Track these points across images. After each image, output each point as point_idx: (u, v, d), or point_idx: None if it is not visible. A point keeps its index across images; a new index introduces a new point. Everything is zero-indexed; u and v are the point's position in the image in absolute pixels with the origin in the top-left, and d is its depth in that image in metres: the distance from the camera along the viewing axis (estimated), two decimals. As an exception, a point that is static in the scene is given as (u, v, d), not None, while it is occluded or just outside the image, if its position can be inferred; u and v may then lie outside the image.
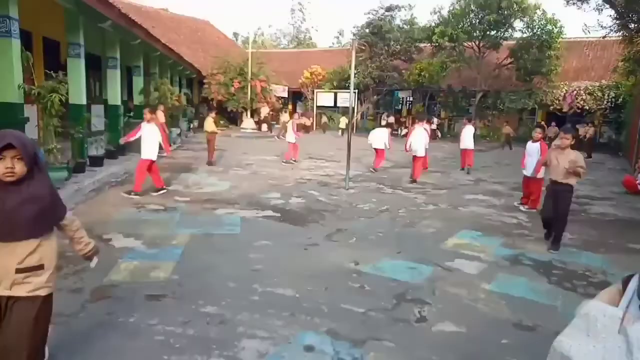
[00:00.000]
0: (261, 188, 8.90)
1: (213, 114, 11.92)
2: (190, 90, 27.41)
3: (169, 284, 4.06)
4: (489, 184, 11.14)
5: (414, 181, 10.64)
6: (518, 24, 24.76)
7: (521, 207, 8.31)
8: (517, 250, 5.77)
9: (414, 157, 10.93)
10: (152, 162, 7.78)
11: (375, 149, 12.46)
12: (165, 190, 7.93)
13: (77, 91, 9.81)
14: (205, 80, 26.32)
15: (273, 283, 4.24)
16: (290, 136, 13.13)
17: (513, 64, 25.28)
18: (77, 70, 9.82)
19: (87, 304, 3.62)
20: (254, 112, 25.52)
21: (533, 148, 8.14)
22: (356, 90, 28.39)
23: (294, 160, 13.10)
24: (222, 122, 26.55)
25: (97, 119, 12.29)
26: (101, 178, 8.45)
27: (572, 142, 5.72)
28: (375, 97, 30.36)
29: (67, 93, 7.71)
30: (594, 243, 6.33)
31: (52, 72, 7.69)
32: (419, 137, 10.91)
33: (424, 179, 11.28)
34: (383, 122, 27.90)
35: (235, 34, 56.60)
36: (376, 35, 28.09)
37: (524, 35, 24.70)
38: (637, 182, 10.69)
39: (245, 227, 6.04)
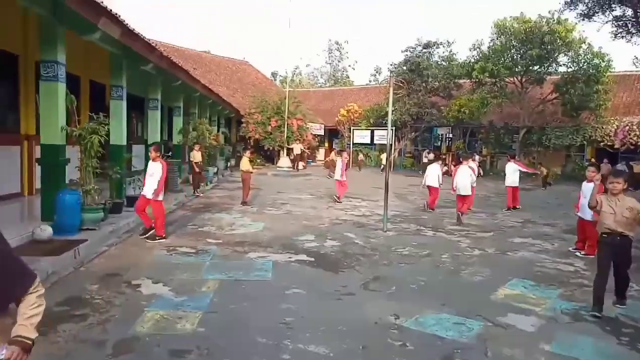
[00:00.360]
0: (295, 229, 8.63)
1: (248, 153, 11.94)
2: (228, 129, 28.09)
3: (195, 338, 3.77)
4: (538, 226, 10.40)
5: (459, 221, 10.13)
6: (562, 58, 24.09)
7: (577, 253, 7.61)
8: (578, 304, 5.15)
9: (459, 197, 10.56)
10: (151, 200, 7.35)
11: (428, 186, 12.06)
12: (151, 233, 7.29)
13: (118, 132, 10.05)
14: (243, 119, 26.92)
15: (305, 339, 3.87)
16: (338, 174, 13.07)
17: (558, 99, 24.43)
18: (118, 112, 10.10)
19: (108, 359, 3.37)
20: (290, 151, 25.71)
21: (588, 188, 7.50)
22: (393, 128, 28.19)
23: (338, 199, 12.83)
24: (258, 160, 26.96)
25: (137, 159, 12.59)
26: (136, 219, 8.44)
27: (626, 186, 4.89)
28: (413, 134, 30.01)
29: (106, 134, 7.83)
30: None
31: (95, 114, 7.90)
32: (464, 175, 10.62)
33: (468, 220, 10.68)
34: (425, 160, 27.41)
35: (274, 74, 58.34)
36: (414, 72, 28.07)
37: (569, 70, 23.93)
38: None
39: (277, 273, 5.74)
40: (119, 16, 8.17)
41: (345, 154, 13.94)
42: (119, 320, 4.00)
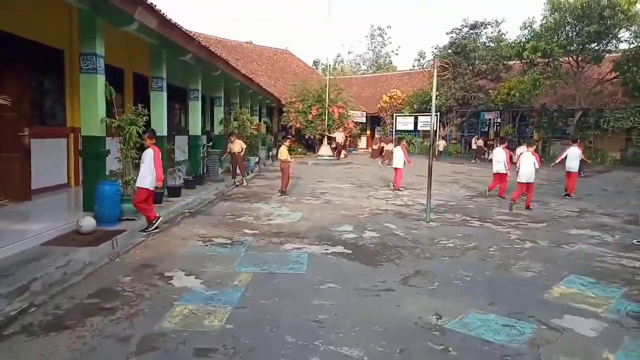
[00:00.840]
0: (333, 219, 8.37)
1: (287, 142, 11.75)
2: (270, 119, 28.15)
3: (222, 336, 3.61)
4: (596, 216, 9.61)
5: (527, 208, 10.10)
6: (624, 33, 22.26)
7: (643, 246, 6.91)
8: (647, 305, 4.60)
9: (520, 184, 10.28)
10: (151, 191, 6.96)
11: (495, 173, 11.85)
12: (155, 228, 6.88)
13: (159, 123, 10.13)
14: (284, 109, 26.85)
15: (337, 339, 3.62)
16: (399, 162, 12.71)
17: (619, 78, 22.68)
18: (159, 103, 10.18)
19: (131, 357, 3.27)
20: (331, 139, 25.41)
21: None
22: (438, 113, 27.23)
23: (396, 188, 12.61)
24: (299, 149, 26.87)
25: (179, 150, 12.73)
26: (176, 209, 8.49)
27: None
28: (459, 119, 28.91)
29: (145, 125, 7.86)
30: None
31: (134, 105, 7.95)
32: (528, 162, 10.19)
33: (517, 210, 10.05)
34: (474, 146, 26.45)
35: (316, 62, 57.93)
36: (459, 55, 26.96)
37: (632, 46, 22.09)
38: None
39: (312, 266, 5.51)
40: (155, 6, 8.14)
41: (404, 142, 13.71)
42: (147, 314, 3.91)
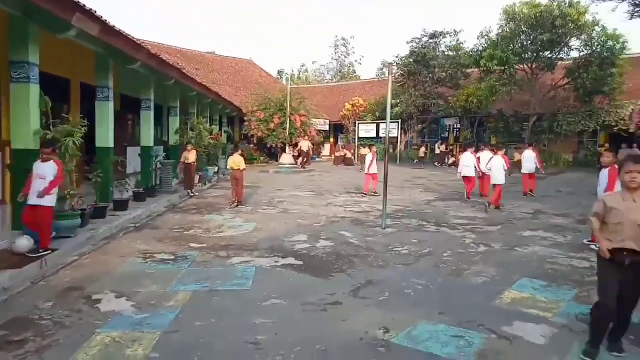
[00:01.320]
0: (288, 229, 8.09)
1: (238, 152, 11.29)
2: (231, 128, 27.64)
3: (145, 365, 3.26)
4: (550, 217, 9.74)
5: (497, 208, 10.55)
6: (574, 42, 23.16)
7: (592, 246, 6.94)
8: (596, 308, 4.52)
9: (494, 186, 10.88)
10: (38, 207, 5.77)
11: (464, 177, 12.33)
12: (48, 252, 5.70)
13: (104, 134, 9.63)
14: (245, 117, 26.46)
15: (275, 362, 3.33)
16: (373, 167, 12.99)
17: (570, 84, 23.55)
18: (104, 113, 9.67)
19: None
20: (294, 147, 25.18)
21: (604, 176, 6.87)
22: (399, 120, 27.51)
23: (374, 192, 12.83)
24: (261, 158, 26.52)
25: (132, 161, 12.18)
26: (120, 223, 7.99)
27: None
28: (419, 125, 29.29)
29: (82, 137, 7.37)
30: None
31: (83, 116, 7.47)
32: (498, 165, 10.87)
33: (474, 213, 10.08)
34: (437, 151, 26.99)
35: (280, 72, 57.70)
36: (419, 63, 27.34)
37: (582, 54, 23.03)
38: None
39: (258, 281, 5.20)
40: (95, 12, 7.69)
41: (374, 148, 14.08)
42: (61, 345, 3.49)
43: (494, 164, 10.89)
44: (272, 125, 25.18)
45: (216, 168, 17.69)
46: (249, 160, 25.35)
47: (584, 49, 22.96)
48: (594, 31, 22.27)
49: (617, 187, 6.53)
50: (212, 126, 22.37)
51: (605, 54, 21.93)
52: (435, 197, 12.89)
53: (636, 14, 16.60)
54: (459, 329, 3.98)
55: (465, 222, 9.09)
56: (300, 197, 12.41)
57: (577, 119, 23.51)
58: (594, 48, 22.38)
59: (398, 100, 27.40)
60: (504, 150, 11.76)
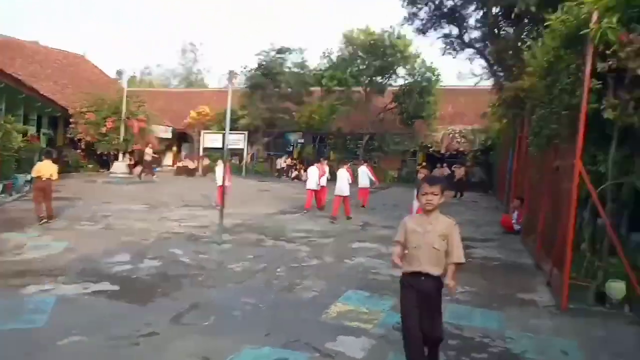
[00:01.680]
0: (108, 249, 7.13)
1: (53, 157, 9.66)
2: (54, 130, 24.05)
3: None
4: (377, 229, 10.56)
5: (333, 220, 11.09)
6: (401, 70, 26.20)
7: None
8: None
9: (344, 197, 11.65)
10: None
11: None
12: None
13: None
14: (72, 119, 23.30)
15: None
16: (220, 179, 11.76)
17: (397, 108, 26.44)
18: None
19: None
20: (132, 154, 23.06)
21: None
22: (246, 132, 27.46)
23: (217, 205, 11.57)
24: (89, 166, 23.69)
25: None
26: None
27: (442, 200, 3.28)
28: (265, 139, 29.64)
29: None
30: (486, 297, 5.75)
31: None
32: (344, 178, 11.78)
33: (311, 226, 10.38)
34: (283, 165, 27.61)
35: (120, 72, 52.60)
36: (267, 77, 27.68)
37: (406, 82, 26.15)
38: (513, 221, 10.90)
39: (56, 314, 4.35)
40: None
41: (347, 165, 13.93)
42: None
43: (340, 177, 11.83)
44: (104, 130, 22.65)
45: (29, 176, 15.07)
46: (75, 168, 22.37)
47: (408, 78, 26.18)
48: (416, 62, 25.58)
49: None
50: (28, 127, 19.27)
51: (424, 83, 25.33)
52: (277, 210, 12.99)
53: (447, 51, 19.48)
54: (283, 351, 3.86)
55: (302, 235, 9.26)
56: (130, 211, 11.22)
57: (402, 140, 26.77)
58: (416, 77, 25.74)
59: (245, 112, 27.34)
60: (348, 164, 12.95)
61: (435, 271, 3.22)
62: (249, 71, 28.67)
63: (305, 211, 12.59)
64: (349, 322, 4.63)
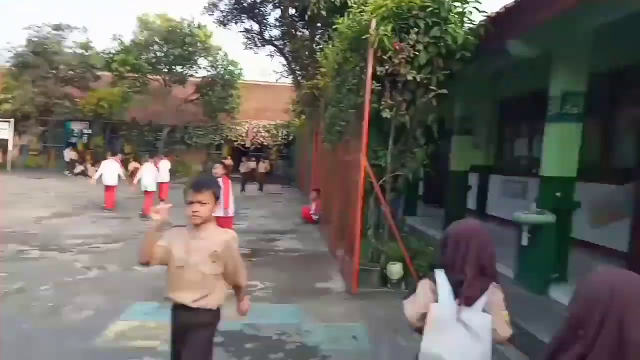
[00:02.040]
0: None
1: None
2: None
3: None
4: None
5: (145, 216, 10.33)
6: (203, 61, 25.29)
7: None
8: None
9: (145, 192, 11.17)
10: None
11: (107, 186, 11.70)
12: None
13: None
14: None
15: None
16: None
17: (200, 100, 25.49)
18: None
19: None
20: None
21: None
22: (12, 120, 22.70)
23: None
24: None
25: None
26: None
27: (215, 210, 2.59)
28: (40, 128, 24.99)
29: None
30: (286, 290, 5.73)
31: None
32: (149, 172, 11.37)
33: (95, 230, 8.94)
34: (67, 158, 23.63)
35: None
36: (39, 56, 23.28)
37: (209, 74, 25.37)
38: (311, 212, 11.47)
39: None
40: None
41: (119, 156, 13.15)
42: None
43: (145, 172, 11.33)
44: None
45: None
46: None
47: (210, 70, 25.42)
48: (219, 55, 25.04)
49: (230, 199, 7.01)
50: None
51: (227, 77, 25.00)
52: (52, 212, 10.85)
53: (248, 46, 19.53)
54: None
55: (82, 241, 7.83)
56: None
57: (206, 132, 25.92)
58: (218, 70, 25.16)
59: (10, 96, 22.50)
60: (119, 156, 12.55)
61: (201, 304, 2.46)
62: (15, 48, 23.72)
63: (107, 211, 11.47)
64: (132, 341, 3.93)
